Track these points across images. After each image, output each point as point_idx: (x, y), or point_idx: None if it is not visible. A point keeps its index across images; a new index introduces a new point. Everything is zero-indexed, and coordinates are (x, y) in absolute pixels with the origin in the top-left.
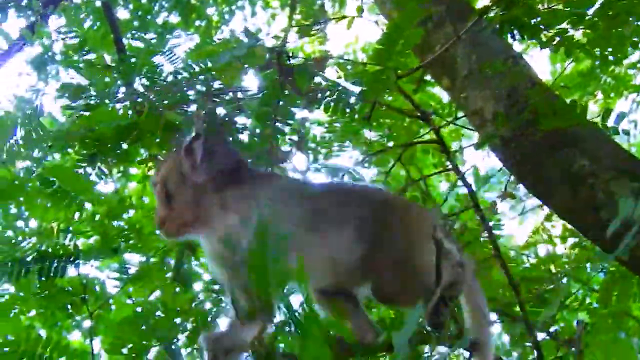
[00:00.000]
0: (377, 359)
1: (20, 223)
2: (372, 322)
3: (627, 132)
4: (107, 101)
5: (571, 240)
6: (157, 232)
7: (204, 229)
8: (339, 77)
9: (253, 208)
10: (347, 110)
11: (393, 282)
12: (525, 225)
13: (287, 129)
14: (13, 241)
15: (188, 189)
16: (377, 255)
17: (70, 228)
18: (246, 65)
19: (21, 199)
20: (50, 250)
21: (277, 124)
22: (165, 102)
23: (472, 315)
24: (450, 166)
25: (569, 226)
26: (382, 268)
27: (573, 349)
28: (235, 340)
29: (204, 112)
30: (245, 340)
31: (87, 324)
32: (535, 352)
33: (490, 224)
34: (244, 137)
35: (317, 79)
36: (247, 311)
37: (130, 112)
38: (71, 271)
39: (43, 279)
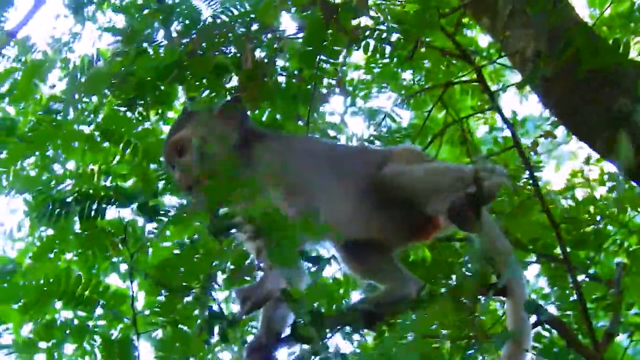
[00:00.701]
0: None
1: (57, 166)
2: (412, 275)
3: None
4: (145, 44)
5: (610, 184)
6: (185, 192)
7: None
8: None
9: (282, 163)
10: (388, 50)
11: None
12: (563, 170)
13: (329, 70)
14: (51, 183)
15: (223, 149)
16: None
17: (109, 170)
18: (289, 3)
19: (59, 141)
20: (90, 191)
21: (320, 64)
22: (206, 44)
23: (501, 261)
24: (490, 107)
25: (607, 169)
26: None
27: (612, 290)
28: (265, 291)
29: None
30: (275, 290)
31: (125, 266)
32: (575, 293)
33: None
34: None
35: (356, 20)
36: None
37: (169, 54)
38: (110, 213)
39: (83, 220)
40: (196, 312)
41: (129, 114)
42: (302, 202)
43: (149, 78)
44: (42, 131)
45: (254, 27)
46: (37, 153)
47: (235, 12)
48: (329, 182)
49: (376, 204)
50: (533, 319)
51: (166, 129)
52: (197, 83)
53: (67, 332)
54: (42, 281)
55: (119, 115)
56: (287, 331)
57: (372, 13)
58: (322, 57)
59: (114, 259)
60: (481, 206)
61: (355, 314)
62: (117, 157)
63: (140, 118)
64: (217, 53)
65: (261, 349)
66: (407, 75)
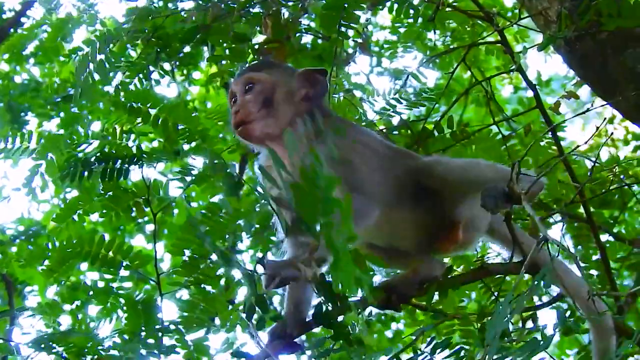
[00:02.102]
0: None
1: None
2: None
3: None
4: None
5: (634, 144)
6: (233, 127)
7: (279, 145)
8: None
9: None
10: (412, 11)
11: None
12: (588, 130)
13: (351, 33)
14: (76, 142)
15: (289, 107)
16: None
17: (133, 130)
18: None
19: (84, 102)
20: (113, 151)
21: (341, 28)
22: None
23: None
24: (514, 67)
25: (632, 129)
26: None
27: (636, 249)
28: (298, 270)
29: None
30: (308, 271)
31: (150, 227)
32: (599, 252)
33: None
34: (308, 39)
35: None
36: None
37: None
38: (135, 175)
39: (107, 179)
40: (220, 271)
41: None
42: (357, 199)
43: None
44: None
45: None
46: (61, 114)
47: None
48: (383, 186)
49: (409, 202)
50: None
51: (193, 89)
52: (220, 47)
53: (91, 293)
54: (66, 243)
55: (142, 85)
56: (311, 316)
57: None
58: (343, 22)
59: (139, 220)
60: (512, 204)
61: (379, 296)
62: (140, 118)
63: (163, 74)
64: (241, 15)
65: (285, 336)
66: (432, 36)
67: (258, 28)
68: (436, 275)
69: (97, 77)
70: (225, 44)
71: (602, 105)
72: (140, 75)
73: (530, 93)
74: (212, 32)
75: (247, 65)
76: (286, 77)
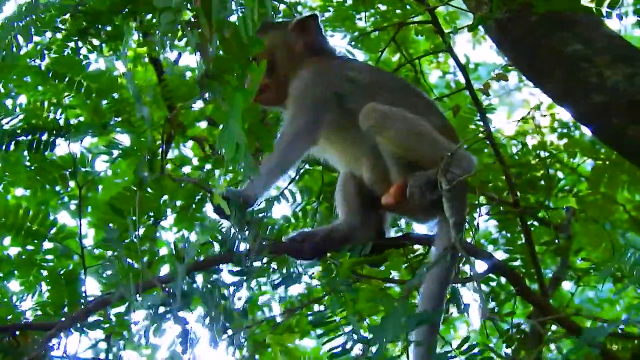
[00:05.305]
0: None
1: (9, 101)
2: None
3: (621, 17)
4: None
5: (560, 131)
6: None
7: None
8: None
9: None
10: None
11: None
12: (514, 117)
13: (282, 8)
14: (2, 115)
15: (292, 62)
16: None
17: (60, 104)
18: None
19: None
20: (40, 123)
21: (273, 2)
22: None
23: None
24: (442, 49)
25: (558, 117)
26: None
27: (562, 234)
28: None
29: None
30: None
31: (74, 204)
32: (523, 237)
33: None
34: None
35: None
36: None
37: None
38: (61, 149)
39: (33, 152)
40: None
41: (80, 44)
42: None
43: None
44: None
45: None
46: None
47: None
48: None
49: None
50: (484, 265)
51: (119, 65)
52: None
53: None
54: None
55: (68, 55)
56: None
57: None
58: None
59: (64, 198)
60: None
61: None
62: (69, 94)
63: (92, 50)
64: None
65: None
66: (362, 16)
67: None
68: (361, 236)
69: (21, 40)
70: (153, 16)
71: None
72: (69, 51)
73: (457, 78)
74: (141, 2)
75: None
76: (281, 36)
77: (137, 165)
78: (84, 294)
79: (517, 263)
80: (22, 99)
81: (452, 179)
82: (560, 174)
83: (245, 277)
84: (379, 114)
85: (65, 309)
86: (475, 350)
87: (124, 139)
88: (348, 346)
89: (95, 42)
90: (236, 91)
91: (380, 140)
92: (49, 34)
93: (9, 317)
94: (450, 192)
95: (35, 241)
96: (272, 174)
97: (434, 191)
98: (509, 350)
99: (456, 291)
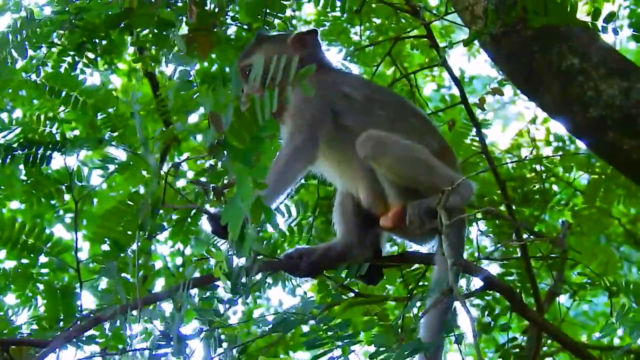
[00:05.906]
0: None
1: (5, 115)
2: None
3: (617, 31)
4: None
5: (555, 145)
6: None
7: None
8: None
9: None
10: (338, 2)
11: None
12: (508, 131)
13: (276, 22)
14: None
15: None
16: None
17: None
18: None
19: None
20: (36, 137)
21: (267, 17)
22: None
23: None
24: (438, 63)
25: (553, 130)
26: None
27: (557, 248)
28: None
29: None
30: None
31: (69, 217)
32: (519, 250)
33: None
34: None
35: None
36: None
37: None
38: (56, 163)
39: (29, 166)
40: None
41: (76, 59)
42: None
43: (97, 25)
44: None
45: None
46: None
47: None
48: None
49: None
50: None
51: (115, 79)
52: (143, 33)
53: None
54: None
55: (65, 70)
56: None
57: None
58: (269, 11)
59: (60, 211)
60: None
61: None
62: (65, 108)
63: (88, 64)
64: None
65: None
66: (357, 30)
67: (183, 18)
68: (357, 254)
69: (15, 55)
70: (149, 31)
71: (526, 107)
72: (66, 65)
73: (452, 91)
74: (137, 17)
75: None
76: (278, 50)
77: (138, 207)
78: (79, 308)
79: (513, 277)
80: (18, 113)
81: (452, 206)
82: (555, 188)
83: (240, 295)
84: (375, 142)
85: (61, 323)
86: None
87: (119, 154)
88: None
89: (91, 55)
90: (246, 169)
91: (377, 167)
92: (44, 49)
93: (5, 331)
94: (449, 228)
95: (31, 255)
96: (270, 197)
97: (433, 220)
98: None
99: (451, 323)
